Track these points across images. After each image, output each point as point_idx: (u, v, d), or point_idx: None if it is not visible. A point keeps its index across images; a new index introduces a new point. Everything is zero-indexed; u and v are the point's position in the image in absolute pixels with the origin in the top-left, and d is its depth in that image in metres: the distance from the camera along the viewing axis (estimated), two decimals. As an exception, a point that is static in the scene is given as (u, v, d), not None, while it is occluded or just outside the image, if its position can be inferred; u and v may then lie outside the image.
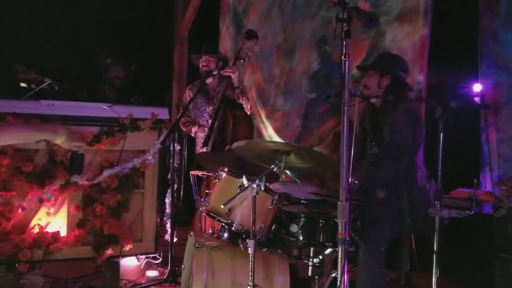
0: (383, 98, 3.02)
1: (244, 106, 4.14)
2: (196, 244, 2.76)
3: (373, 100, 3.10)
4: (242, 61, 4.11)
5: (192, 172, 3.78)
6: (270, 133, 5.48)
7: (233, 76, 4.05)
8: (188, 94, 4.42)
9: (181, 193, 5.96)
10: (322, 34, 4.84)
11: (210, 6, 6.88)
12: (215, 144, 3.97)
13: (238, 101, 4.13)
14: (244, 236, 2.65)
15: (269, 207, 2.67)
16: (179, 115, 3.99)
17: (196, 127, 4.25)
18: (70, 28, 6.06)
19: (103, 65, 4.96)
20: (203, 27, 7.10)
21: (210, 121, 4.07)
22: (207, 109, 4.29)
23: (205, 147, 3.93)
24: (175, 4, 7.51)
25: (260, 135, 5.57)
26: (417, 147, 3.00)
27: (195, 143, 4.49)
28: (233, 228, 2.67)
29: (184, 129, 4.41)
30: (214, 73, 4.17)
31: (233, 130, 3.88)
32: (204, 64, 4.25)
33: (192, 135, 4.42)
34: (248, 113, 4.19)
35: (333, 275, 2.77)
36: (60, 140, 2.33)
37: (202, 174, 3.74)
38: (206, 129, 4.11)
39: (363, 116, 3.16)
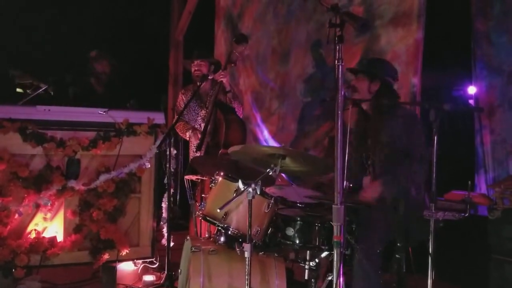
0: (376, 101, 3.03)
1: (236, 109, 4.15)
2: (193, 248, 2.77)
3: (364, 106, 3.11)
4: (233, 65, 4.13)
5: (186, 177, 3.79)
6: (266, 137, 5.49)
7: (224, 80, 4.07)
8: (181, 99, 4.44)
9: (178, 198, 5.95)
10: (316, 38, 4.86)
11: (205, 10, 6.88)
12: (209, 148, 3.98)
13: (230, 104, 4.14)
14: (240, 240, 2.66)
15: (265, 211, 2.68)
16: (174, 120, 4.00)
17: (190, 131, 4.26)
18: (65, 33, 6.06)
19: (88, 58, 4.94)
20: (198, 31, 7.10)
21: (202, 125, 4.08)
22: (200, 113, 4.31)
23: (199, 152, 3.94)
24: (170, 9, 7.51)
25: (256, 138, 5.59)
26: (419, 150, 2.95)
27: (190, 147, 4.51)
28: (229, 232, 2.68)
29: (180, 134, 4.43)
30: (210, 77, 4.19)
31: (226, 134, 3.89)
32: (196, 68, 4.27)
33: (187, 139, 4.43)
34: (241, 117, 4.21)
35: (329, 278, 2.78)
36: None
37: (196, 179, 3.75)
38: (198, 134, 4.12)
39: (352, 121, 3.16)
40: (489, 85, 3.74)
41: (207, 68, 4.23)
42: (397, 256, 2.86)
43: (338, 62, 2.05)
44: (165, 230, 3.87)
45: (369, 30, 3.95)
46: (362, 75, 3.07)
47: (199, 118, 4.31)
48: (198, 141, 3.96)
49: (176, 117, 4.31)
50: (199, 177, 3.69)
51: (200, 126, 4.21)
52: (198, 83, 4.17)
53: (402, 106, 3.12)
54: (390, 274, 2.93)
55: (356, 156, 3.09)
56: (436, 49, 3.95)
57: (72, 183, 3.58)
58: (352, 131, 3.09)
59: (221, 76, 4.07)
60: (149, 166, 3.81)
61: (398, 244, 2.88)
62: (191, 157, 4.31)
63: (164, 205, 3.94)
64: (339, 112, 2.07)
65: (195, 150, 4.08)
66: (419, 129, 2.96)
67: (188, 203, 3.95)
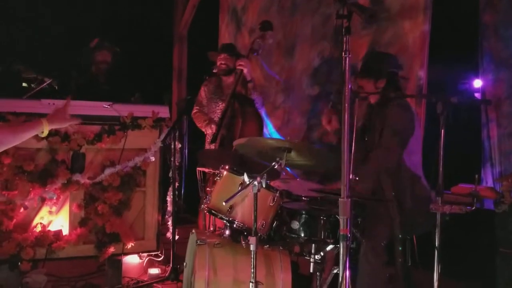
0: (385, 95, 3.03)
1: (256, 101, 4.04)
2: (198, 242, 2.77)
3: (372, 100, 3.11)
4: (255, 54, 3.97)
5: (198, 169, 3.78)
6: (270, 131, 5.48)
7: (245, 70, 3.94)
8: (203, 90, 4.37)
9: (182, 191, 5.97)
10: (322, 30, 4.84)
11: (209, 4, 6.87)
12: (224, 141, 3.94)
13: (250, 96, 4.04)
14: (245, 233, 2.65)
15: (270, 204, 2.68)
16: (193, 111, 4.03)
17: (205, 122, 4.23)
18: (69, 27, 6.06)
19: (89, 48, 4.89)
20: (203, 25, 7.09)
21: None
22: (220, 106, 4.22)
23: (213, 144, 3.90)
24: (174, 3, 7.50)
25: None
26: (408, 137, 2.98)
27: (194, 141, 4.50)
28: (234, 226, 2.67)
29: (198, 125, 4.36)
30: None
31: (242, 127, 3.84)
32: (223, 62, 4.17)
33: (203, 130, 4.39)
34: (262, 108, 4.09)
35: (335, 271, 2.77)
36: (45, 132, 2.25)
37: (209, 171, 3.72)
38: (212, 125, 4.09)
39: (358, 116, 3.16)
40: (496, 78, 3.71)
41: (234, 63, 4.10)
42: (399, 248, 2.86)
43: (345, 54, 2.03)
44: (170, 223, 3.87)
45: (377, 21, 3.93)
46: (366, 77, 3.07)
47: (218, 110, 4.23)
48: (213, 133, 3.92)
49: (195, 107, 4.31)
50: (211, 170, 3.66)
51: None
52: (221, 76, 4.13)
53: (401, 100, 3.10)
54: (394, 267, 2.92)
55: (359, 149, 3.09)
56: (443, 42, 3.92)
57: (77, 177, 3.58)
58: (357, 125, 3.09)
59: (241, 65, 3.94)
60: (153, 159, 3.80)
61: (399, 236, 2.88)
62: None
63: (169, 198, 3.94)
64: (346, 105, 2.05)
65: (210, 142, 4.02)
66: (413, 119, 2.99)
67: (193, 196, 3.95)
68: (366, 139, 3.10)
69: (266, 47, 4.02)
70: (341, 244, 2.10)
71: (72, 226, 3.64)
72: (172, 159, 3.86)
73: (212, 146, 3.94)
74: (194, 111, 4.32)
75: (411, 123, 2.97)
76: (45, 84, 4.47)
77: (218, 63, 4.23)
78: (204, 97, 4.30)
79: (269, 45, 4.08)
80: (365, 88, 3.07)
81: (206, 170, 3.67)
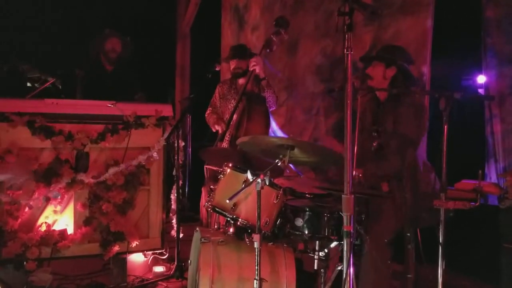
0: (388, 91, 3.02)
1: (269, 99, 4.01)
2: (202, 239, 2.77)
3: (377, 93, 3.11)
4: (268, 50, 3.88)
5: (206, 166, 3.78)
6: (274, 128, 5.48)
7: (257, 68, 3.87)
8: (217, 92, 4.37)
9: (186, 190, 5.99)
10: (325, 27, 4.83)
11: (212, 1, 6.87)
12: (232, 140, 3.92)
13: (262, 94, 3.99)
14: (249, 230, 2.66)
15: (274, 202, 2.68)
16: (206, 112, 4.07)
17: (215, 120, 4.21)
18: (72, 25, 6.07)
19: (100, 36, 4.87)
20: (205, 23, 7.09)
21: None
22: (233, 105, 4.20)
23: (220, 143, 3.89)
24: (176, 1, 7.50)
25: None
26: (420, 139, 3.01)
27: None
28: (238, 223, 2.68)
29: (209, 124, 4.35)
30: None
31: (247, 125, 3.84)
32: (236, 66, 4.15)
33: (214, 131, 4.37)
34: (274, 106, 4.09)
35: (339, 268, 2.78)
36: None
37: (216, 169, 3.71)
38: (222, 124, 4.08)
39: (364, 109, 3.16)
40: (499, 74, 3.70)
41: (247, 65, 4.00)
42: (408, 247, 2.87)
43: (347, 51, 2.02)
44: (174, 221, 3.88)
45: (379, 17, 3.91)
46: (377, 61, 3.05)
47: (231, 109, 4.19)
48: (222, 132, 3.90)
49: (208, 108, 4.32)
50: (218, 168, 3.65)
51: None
52: (236, 80, 4.14)
53: (412, 95, 3.10)
54: (403, 264, 2.93)
55: (368, 144, 3.08)
56: (446, 38, 3.91)
57: (81, 176, 3.58)
58: (365, 119, 3.09)
59: (253, 64, 3.85)
60: (157, 158, 3.81)
61: (408, 234, 2.89)
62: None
63: (173, 197, 3.94)
64: (348, 101, 2.05)
65: (217, 140, 3.99)
66: (425, 118, 3.00)
67: (196, 195, 3.95)
68: (382, 142, 3.07)
69: (280, 44, 3.92)
70: (345, 241, 2.11)
71: (77, 225, 3.66)
72: (175, 157, 3.86)
73: (224, 145, 3.93)
74: (208, 112, 4.33)
75: (423, 125, 2.99)
76: (48, 83, 4.47)
77: (232, 67, 4.21)
78: (217, 99, 4.31)
79: (284, 41, 3.96)
80: (373, 75, 3.05)
81: (215, 168, 3.65)
